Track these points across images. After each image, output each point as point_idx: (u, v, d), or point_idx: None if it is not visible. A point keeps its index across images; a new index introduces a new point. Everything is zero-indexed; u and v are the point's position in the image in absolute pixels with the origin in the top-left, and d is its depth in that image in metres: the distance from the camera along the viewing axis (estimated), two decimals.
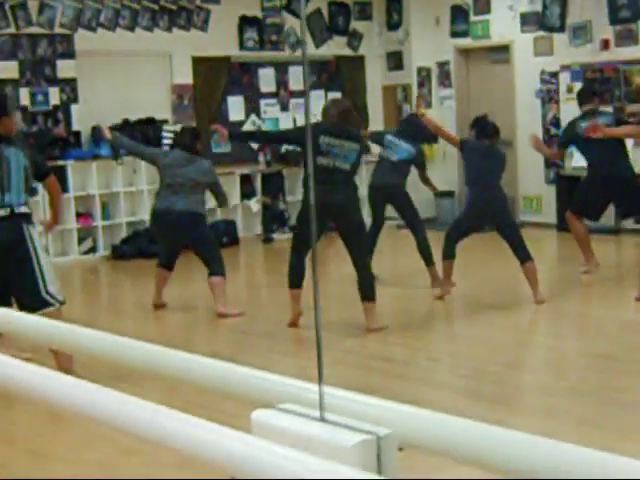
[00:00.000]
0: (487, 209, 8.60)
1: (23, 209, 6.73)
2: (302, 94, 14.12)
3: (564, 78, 12.98)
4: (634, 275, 8.20)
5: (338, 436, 1.38)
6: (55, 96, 11.86)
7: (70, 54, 11.92)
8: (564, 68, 12.97)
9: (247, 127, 13.57)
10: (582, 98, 9.86)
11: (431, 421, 1.47)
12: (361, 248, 7.88)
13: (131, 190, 12.35)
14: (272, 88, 13.91)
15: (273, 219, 12.73)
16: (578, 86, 12.27)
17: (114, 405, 1.71)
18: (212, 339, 8.21)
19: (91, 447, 5.20)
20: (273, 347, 7.61)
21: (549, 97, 13.31)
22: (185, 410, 1.56)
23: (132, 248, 12.10)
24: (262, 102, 13.93)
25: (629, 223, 12.36)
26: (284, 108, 13.95)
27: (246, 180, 13.31)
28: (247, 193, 13.31)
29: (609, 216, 11.62)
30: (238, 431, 1.41)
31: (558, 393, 5.88)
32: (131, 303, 10.19)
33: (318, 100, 13.19)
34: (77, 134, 12.09)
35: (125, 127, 12.09)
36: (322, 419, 1.45)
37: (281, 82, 14.02)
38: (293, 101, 14.15)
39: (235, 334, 8.04)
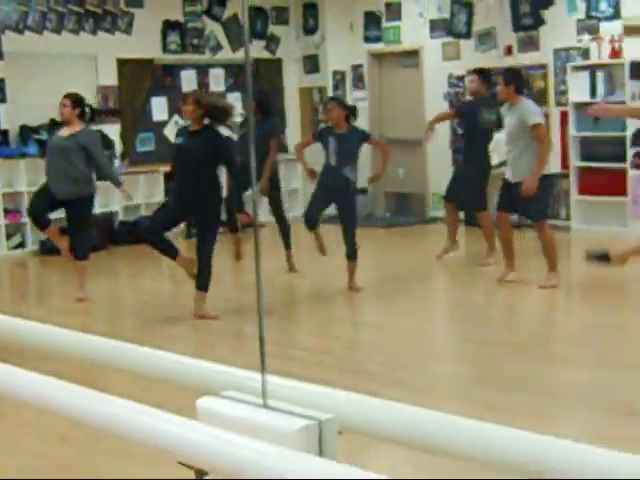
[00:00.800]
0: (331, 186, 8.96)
1: None
2: (222, 96, 14.11)
3: (470, 81, 13.10)
4: (535, 268, 8.51)
5: (281, 422, 1.43)
6: None
7: None
8: (470, 72, 12.53)
9: (170, 127, 13.53)
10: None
11: (370, 406, 1.55)
12: (204, 239, 8.09)
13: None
14: (193, 87, 13.89)
15: None
16: None
17: (61, 394, 1.75)
18: (135, 330, 8.11)
19: (27, 436, 5.26)
20: (190, 336, 7.68)
21: (456, 99, 13.60)
22: None
23: None
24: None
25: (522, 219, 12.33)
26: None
27: (170, 178, 13.08)
28: (171, 190, 13.36)
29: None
30: (185, 418, 1.48)
31: (470, 379, 6.07)
32: (57, 296, 10.24)
33: (236, 102, 13.43)
34: (5, 133, 12.13)
35: (52, 127, 11.97)
36: (265, 406, 1.50)
37: (202, 84, 14.14)
38: None
39: (152, 325, 8.02)
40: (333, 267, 9.53)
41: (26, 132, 12.38)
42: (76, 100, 9.61)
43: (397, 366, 6.54)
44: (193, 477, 1.52)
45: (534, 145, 9.08)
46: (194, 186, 8.39)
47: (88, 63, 13.02)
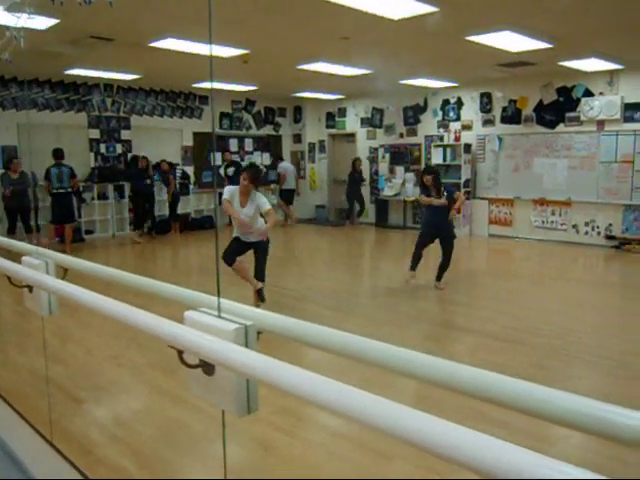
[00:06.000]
0: None
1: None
2: (250, 153, 16.61)
3: (380, 151, 15.92)
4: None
5: (226, 325, 1.67)
6: (119, 148, 14.20)
7: (128, 127, 14.31)
8: (381, 146, 15.87)
9: (222, 169, 15.05)
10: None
11: (274, 318, 1.75)
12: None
13: (159, 199, 14.40)
14: (236, 149, 16.44)
15: None
16: (387, 155, 15.42)
17: (130, 312, 1.92)
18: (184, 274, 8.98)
19: (121, 329, 5.51)
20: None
21: (373, 159, 16.15)
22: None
23: (161, 229, 14.26)
24: (232, 156, 15.70)
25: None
26: (242, 159, 16.02)
27: None
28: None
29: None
30: (176, 322, 1.67)
31: None
32: (158, 256, 11.61)
33: (257, 158, 16.46)
34: None
35: (156, 165, 14.30)
36: (219, 316, 1.74)
37: (241, 146, 16.64)
38: (247, 156, 16.46)
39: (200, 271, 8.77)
40: None
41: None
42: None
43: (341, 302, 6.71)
44: (176, 356, 1.70)
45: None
46: None
47: (177, 133, 15.30)
